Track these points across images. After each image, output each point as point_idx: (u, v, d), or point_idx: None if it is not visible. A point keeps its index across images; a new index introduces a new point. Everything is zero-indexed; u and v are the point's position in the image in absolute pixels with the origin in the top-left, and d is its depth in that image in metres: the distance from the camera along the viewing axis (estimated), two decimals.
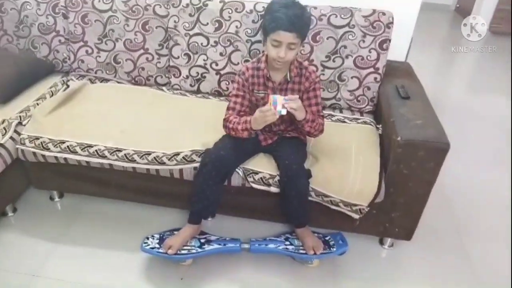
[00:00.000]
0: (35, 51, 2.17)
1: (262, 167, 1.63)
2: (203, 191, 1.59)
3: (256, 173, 1.62)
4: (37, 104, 1.93)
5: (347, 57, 1.94)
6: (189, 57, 2.04)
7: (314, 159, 1.66)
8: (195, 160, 1.63)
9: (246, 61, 1.97)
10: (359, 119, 1.95)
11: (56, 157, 1.70)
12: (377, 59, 1.92)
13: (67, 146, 1.69)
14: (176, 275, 1.64)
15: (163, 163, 1.65)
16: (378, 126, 1.90)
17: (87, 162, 1.69)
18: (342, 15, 1.89)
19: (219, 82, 2.06)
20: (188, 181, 1.67)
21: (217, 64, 2.03)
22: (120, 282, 1.61)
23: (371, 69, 1.94)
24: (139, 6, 2.02)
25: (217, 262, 1.69)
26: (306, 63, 1.62)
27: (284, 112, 1.43)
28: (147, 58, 2.09)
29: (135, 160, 1.66)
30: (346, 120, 1.94)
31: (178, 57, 2.05)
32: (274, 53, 1.47)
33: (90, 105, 1.94)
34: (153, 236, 1.70)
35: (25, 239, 1.78)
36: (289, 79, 1.57)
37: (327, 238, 1.74)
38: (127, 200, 1.90)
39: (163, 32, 2.05)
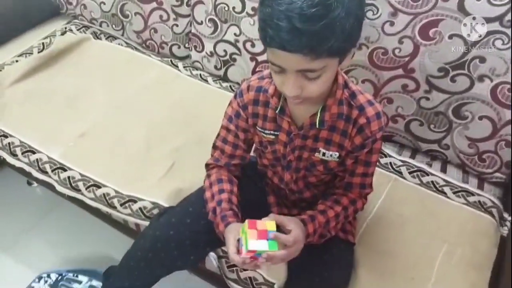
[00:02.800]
0: None
1: None
2: (128, 269, 0.96)
3: (243, 268, 0.95)
4: (16, 61, 1.43)
5: (481, 79, 1.01)
6: (216, 25, 1.30)
7: (360, 273, 0.90)
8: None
9: None
10: (472, 193, 1.07)
11: None
12: None
13: (8, 143, 1.19)
14: None
15: (114, 207, 1.06)
16: (506, 218, 1.02)
17: (27, 171, 1.18)
18: None
19: (254, 72, 1.31)
20: None
21: (253, 45, 1.26)
22: None
23: None
24: None
25: None
26: (365, 96, 0.78)
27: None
28: (160, 16, 1.40)
29: (80, 190, 1.10)
30: (446, 188, 1.08)
31: (202, 22, 1.32)
32: (278, 82, 0.71)
33: (71, 75, 1.38)
34: (49, 275, 1.17)
35: None
36: (317, 125, 0.79)
37: None
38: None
39: None
